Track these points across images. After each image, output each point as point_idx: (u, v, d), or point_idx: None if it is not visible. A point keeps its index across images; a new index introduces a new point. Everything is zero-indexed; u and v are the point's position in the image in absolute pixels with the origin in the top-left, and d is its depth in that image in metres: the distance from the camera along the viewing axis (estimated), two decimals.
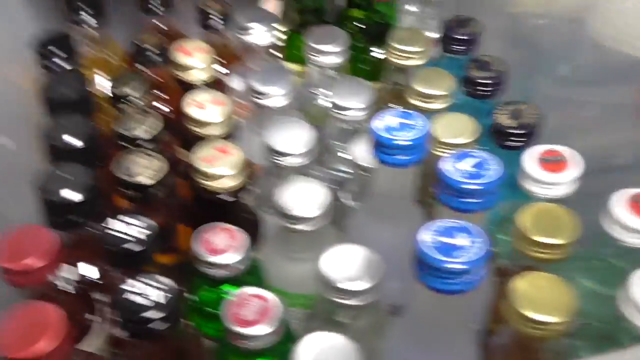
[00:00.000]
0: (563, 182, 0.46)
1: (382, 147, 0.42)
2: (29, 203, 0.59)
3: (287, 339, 0.44)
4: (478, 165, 0.38)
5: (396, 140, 0.41)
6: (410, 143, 0.41)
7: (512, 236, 0.43)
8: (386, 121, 0.42)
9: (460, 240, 0.33)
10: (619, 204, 0.43)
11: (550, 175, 0.46)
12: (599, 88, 0.62)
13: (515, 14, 0.76)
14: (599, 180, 0.56)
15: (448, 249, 0.32)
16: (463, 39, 0.63)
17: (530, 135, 0.53)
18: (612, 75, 0.60)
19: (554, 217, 0.43)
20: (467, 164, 0.38)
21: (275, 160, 0.54)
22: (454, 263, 0.32)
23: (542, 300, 0.37)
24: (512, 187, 0.56)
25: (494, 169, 0.38)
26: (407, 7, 0.79)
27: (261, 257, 0.52)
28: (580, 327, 0.44)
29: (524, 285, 0.38)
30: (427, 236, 0.33)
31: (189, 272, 0.53)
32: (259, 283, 0.48)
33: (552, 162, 0.47)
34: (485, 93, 0.59)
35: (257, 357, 0.43)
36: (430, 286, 0.33)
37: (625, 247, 0.43)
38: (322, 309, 0.45)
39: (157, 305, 0.39)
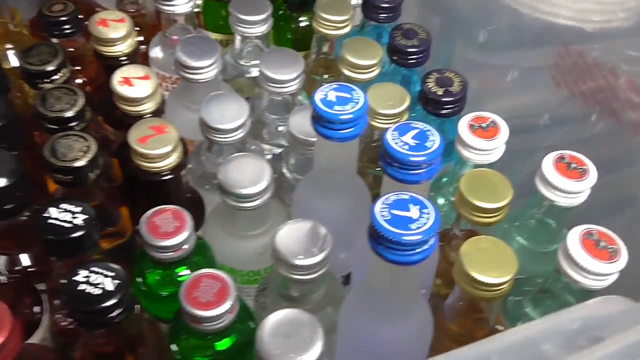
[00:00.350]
0: (495, 147, 0.49)
1: (323, 122, 0.42)
2: None
3: (243, 317, 0.45)
4: (419, 137, 0.40)
5: (338, 114, 0.42)
6: (351, 116, 0.42)
7: (455, 202, 0.46)
8: (325, 95, 0.43)
9: (413, 212, 0.35)
10: (548, 166, 0.47)
11: (484, 142, 0.49)
12: (516, 52, 0.66)
13: None
14: (519, 140, 0.60)
15: (403, 222, 0.34)
16: (386, 6, 0.64)
17: (457, 103, 0.56)
18: (527, 39, 0.63)
19: (489, 182, 0.46)
20: (409, 136, 0.39)
21: (212, 136, 0.53)
22: (410, 235, 0.34)
23: (488, 263, 0.40)
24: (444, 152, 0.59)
25: (434, 139, 0.40)
26: None
27: (206, 236, 0.52)
28: (520, 282, 0.48)
29: (472, 249, 0.41)
30: (381, 210, 0.35)
31: (131, 255, 0.52)
32: (208, 263, 0.48)
33: (483, 129, 0.50)
34: (412, 61, 0.60)
35: (215, 338, 0.43)
36: (389, 259, 0.34)
37: (557, 207, 0.47)
38: (275, 284, 0.46)
39: (111, 294, 0.38)
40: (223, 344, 0.44)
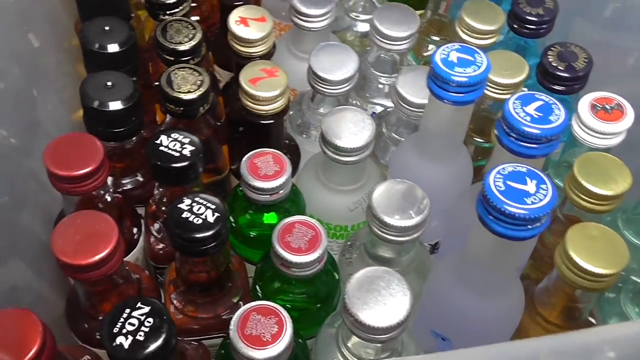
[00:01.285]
0: (617, 132, 0.46)
1: (440, 81, 0.41)
2: (62, 109, 0.58)
3: (329, 269, 0.45)
4: (543, 109, 0.37)
5: (454, 75, 0.40)
6: (467, 80, 0.40)
7: (565, 184, 0.44)
8: (447, 55, 0.41)
9: (530, 186, 0.33)
10: None
11: (606, 125, 0.46)
12: None
13: None
14: (637, 130, 0.56)
15: (517, 195, 0.32)
16: None
17: (579, 81, 0.52)
18: None
19: (607, 167, 0.43)
20: (532, 108, 0.37)
21: (318, 86, 0.52)
22: (523, 209, 0.32)
23: (595, 251, 0.38)
24: None
25: (559, 114, 0.37)
26: None
27: (299, 185, 0.52)
28: (620, 280, 0.45)
29: (579, 235, 0.39)
30: (496, 180, 0.33)
31: (225, 192, 0.53)
32: (298, 211, 0.49)
33: (606, 111, 0.47)
34: (534, 31, 0.57)
35: (300, 284, 0.44)
36: (496, 231, 0.33)
37: None
38: (363, 241, 0.46)
39: (210, 226, 0.39)
40: (306, 291, 0.45)
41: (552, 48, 0.54)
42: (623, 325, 0.36)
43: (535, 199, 0.32)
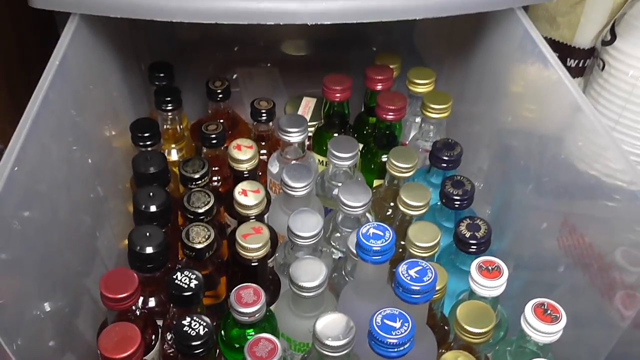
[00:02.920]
0: (495, 286, 0.65)
1: (362, 249, 0.61)
2: (113, 240, 0.80)
3: None
4: (421, 272, 0.57)
5: (371, 246, 0.61)
6: (380, 249, 0.61)
7: (454, 323, 0.62)
8: (367, 230, 0.62)
9: (398, 323, 0.52)
10: (529, 309, 0.62)
11: (486, 280, 0.65)
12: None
13: (503, 130, 0.95)
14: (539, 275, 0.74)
15: (388, 329, 0.52)
16: (447, 159, 0.82)
17: (482, 245, 0.72)
18: (549, 194, 0.78)
19: (480, 311, 0.62)
20: (414, 271, 0.57)
21: (293, 239, 0.74)
22: (391, 338, 0.51)
23: None
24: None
25: (430, 276, 0.57)
26: (413, 118, 1.00)
27: (276, 310, 0.72)
28: None
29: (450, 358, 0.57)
30: (376, 318, 0.52)
31: (222, 312, 0.73)
32: (272, 330, 0.68)
33: (488, 271, 0.66)
34: (456, 206, 0.78)
35: None
36: (375, 351, 0.52)
37: (535, 342, 0.61)
38: (314, 355, 0.64)
39: (200, 337, 0.59)
40: None
41: (463, 220, 0.74)
42: None
43: (398, 332, 0.51)
